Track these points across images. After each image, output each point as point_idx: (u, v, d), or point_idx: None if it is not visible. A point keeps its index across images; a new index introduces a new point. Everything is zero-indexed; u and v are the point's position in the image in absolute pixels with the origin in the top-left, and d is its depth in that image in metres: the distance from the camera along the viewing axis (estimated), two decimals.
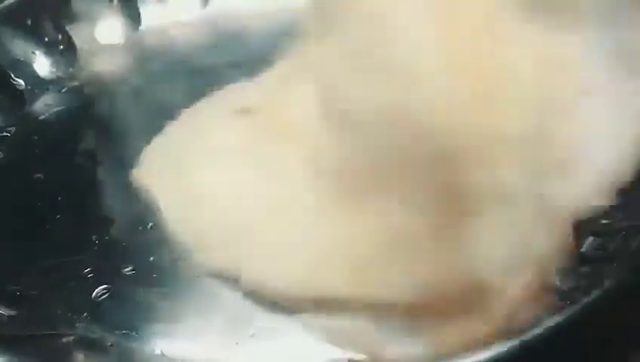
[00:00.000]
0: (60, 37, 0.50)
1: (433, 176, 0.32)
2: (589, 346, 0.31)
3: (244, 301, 0.35)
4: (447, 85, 0.32)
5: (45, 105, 0.48)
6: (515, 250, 0.31)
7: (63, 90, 0.49)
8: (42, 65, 0.49)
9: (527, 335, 0.28)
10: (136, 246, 0.38)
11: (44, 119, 0.47)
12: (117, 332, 0.34)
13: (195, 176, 0.39)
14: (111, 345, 0.34)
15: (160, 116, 0.46)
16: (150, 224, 0.39)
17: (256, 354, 0.33)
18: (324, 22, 0.37)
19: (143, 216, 0.39)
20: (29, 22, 0.50)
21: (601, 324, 0.31)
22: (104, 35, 0.52)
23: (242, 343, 0.33)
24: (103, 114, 0.48)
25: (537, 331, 0.28)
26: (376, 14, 0.34)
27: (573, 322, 0.29)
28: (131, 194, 0.41)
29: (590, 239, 0.33)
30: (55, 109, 0.48)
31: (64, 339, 0.34)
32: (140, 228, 0.39)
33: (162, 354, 0.33)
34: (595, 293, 0.29)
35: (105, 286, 0.36)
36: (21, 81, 0.48)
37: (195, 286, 0.36)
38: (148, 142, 0.44)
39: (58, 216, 0.40)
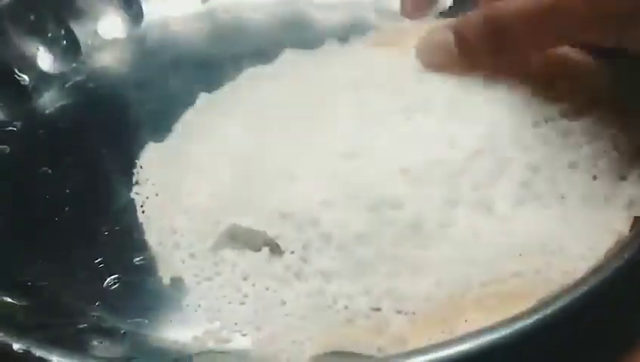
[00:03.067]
0: (63, 32, 0.51)
1: None
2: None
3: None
4: None
5: (50, 100, 0.48)
6: None
7: (67, 85, 0.49)
8: (46, 60, 0.50)
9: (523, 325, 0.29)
10: (145, 236, 0.38)
11: (49, 114, 0.47)
12: (129, 320, 0.35)
13: None
14: (124, 333, 0.34)
15: (163, 109, 0.46)
16: None
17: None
18: None
19: None
20: (32, 18, 0.50)
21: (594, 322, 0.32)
22: (107, 30, 0.52)
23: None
24: (107, 108, 0.48)
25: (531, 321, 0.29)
26: None
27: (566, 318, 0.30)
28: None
29: None
30: (60, 104, 0.48)
31: (77, 328, 0.34)
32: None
33: (175, 341, 0.34)
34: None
35: (115, 275, 0.37)
36: (25, 77, 0.49)
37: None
38: (151, 134, 0.44)
39: (67, 208, 0.41)
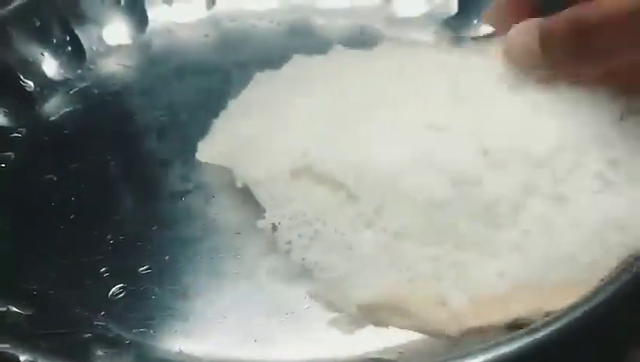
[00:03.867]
0: (68, 38, 0.51)
1: None
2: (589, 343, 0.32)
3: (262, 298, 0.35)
4: None
5: (55, 106, 0.48)
6: None
7: (72, 91, 0.49)
8: (51, 66, 0.50)
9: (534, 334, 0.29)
10: (151, 245, 0.38)
11: (54, 120, 0.47)
12: (134, 330, 0.35)
13: None
14: (128, 343, 0.34)
15: (167, 115, 0.47)
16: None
17: (276, 351, 0.33)
18: None
19: (157, 214, 0.40)
20: (37, 23, 0.50)
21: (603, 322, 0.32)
22: (112, 36, 0.52)
23: (261, 340, 0.34)
24: (112, 114, 0.48)
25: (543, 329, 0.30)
26: None
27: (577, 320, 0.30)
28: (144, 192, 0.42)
29: None
30: (64, 110, 0.48)
31: (82, 338, 0.34)
32: (155, 227, 0.39)
33: (180, 352, 0.34)
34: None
35: (121, 285, 0.37)
36: (30, 83, 0.48)
37: (212, 284, 0.36)
38: (156, 140, 0.44)
39: (72, 216, 0.40)
